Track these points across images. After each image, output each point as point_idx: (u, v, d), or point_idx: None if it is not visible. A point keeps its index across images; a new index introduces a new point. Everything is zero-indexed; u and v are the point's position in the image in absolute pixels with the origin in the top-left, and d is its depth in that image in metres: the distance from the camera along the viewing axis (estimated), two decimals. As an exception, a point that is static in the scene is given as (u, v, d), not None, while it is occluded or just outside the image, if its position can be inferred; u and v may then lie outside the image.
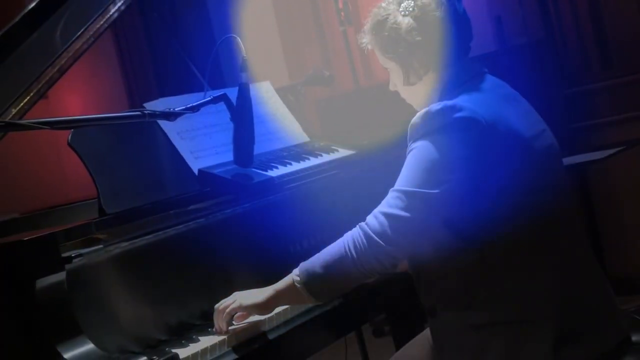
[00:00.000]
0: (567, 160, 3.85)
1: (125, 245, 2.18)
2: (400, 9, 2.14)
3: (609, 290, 2.17)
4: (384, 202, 2.05)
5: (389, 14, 2.16)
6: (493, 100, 2.08)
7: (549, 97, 4.53)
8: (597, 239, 4.42)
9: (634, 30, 4.58)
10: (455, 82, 2.14)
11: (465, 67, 2.18)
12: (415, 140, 2.05)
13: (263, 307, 2.19)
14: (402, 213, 2.00)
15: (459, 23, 2.17)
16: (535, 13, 4.79)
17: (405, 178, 2.03)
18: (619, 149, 4.01)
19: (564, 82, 4.71)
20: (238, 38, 2.43)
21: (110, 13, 2.66)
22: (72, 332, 1.94)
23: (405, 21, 2.13)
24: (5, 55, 2.55)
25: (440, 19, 2.12)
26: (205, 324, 2.25)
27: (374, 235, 2.01)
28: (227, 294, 2.23)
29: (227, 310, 2.17)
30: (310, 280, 2.10)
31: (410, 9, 2.13)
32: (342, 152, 2.95)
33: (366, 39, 2.24)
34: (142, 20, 5.95)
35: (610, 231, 4.63)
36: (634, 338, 2.19)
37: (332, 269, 2.07)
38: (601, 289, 2.15)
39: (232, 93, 2.46)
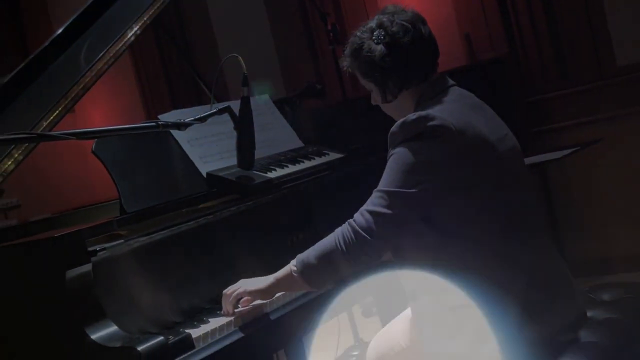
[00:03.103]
0: (529, 160, 3.86)
1: (143, 239, 2.17)
2: (373, 37, 2.14)
3: (567, 272, 2.17)
4: (368, 201, 2.05)
5: (364, 42, 2.15)
6: (461, 109, 2.08)
7: (512, 104, 4.54)
8: (556, 227, 4.43)
9: (587, 46, 4.59)
10: (427, 96, 2.14)
11: (435, 82, 2.17)
12: (394, 147, 2.05)
13: (265, 292, 2.19)
14: (385, 210, 2.00)
15: (426, 44, 2.16)
16: (500, 31, 4.80)
17: (387, 180, 2.03)
18: (573, 149, 4.01)
19: (525, 92, 4.72)
20: (240, 57, 2.43)
21: (128, 37, 2.65)
22: (97, 316, 1.94)
23: (378, 48, 2.12)
24: (37, 75, 2.55)
25: (408, 44, 2.12)
26: (214, 307, 2.25)
27: (360, 231, 2.01)
28: (233, 281, 2.23)
29: (234, 295, 2.18)
30: (306, 270, 2.10)
31: (382, 37, 2.13)
32: (333, 156, 2.95)
33: (346, 63, 2.24)
34: (156, 42, 5.94)
35: (567, 220, 4.64)
36: (589, 314, 2.20)
37: (324, 260, 2.07)
38: (560, 271, 2.15)
39: (235, 105, 2.46)
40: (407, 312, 2.36)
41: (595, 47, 4.58)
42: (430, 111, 2.03)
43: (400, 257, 2.19)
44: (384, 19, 2.14)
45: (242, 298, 2.20)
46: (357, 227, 2.02)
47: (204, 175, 2.58)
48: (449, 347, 2.07)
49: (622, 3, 4.50)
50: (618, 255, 4.56)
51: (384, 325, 2.70)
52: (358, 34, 2.19)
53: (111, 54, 2.58)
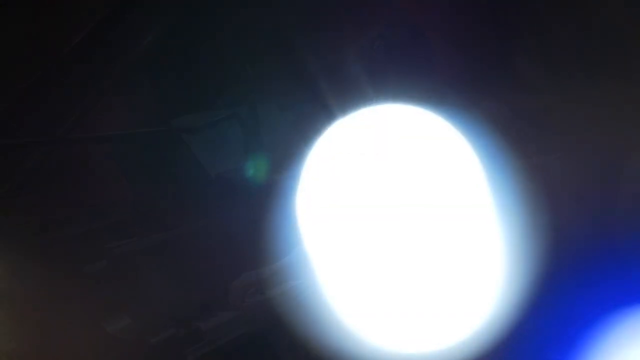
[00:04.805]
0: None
1: (156, 237, 2.18)
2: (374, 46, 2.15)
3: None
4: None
5: (365, 50, 2.16)
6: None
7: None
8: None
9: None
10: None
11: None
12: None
13: (267, 282, 2.19)
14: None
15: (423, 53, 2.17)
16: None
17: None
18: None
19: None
20: (248, 65, 2.42)
21: (143, 45, 2.65)
22: (113, 310, 1.95)
23: (378, 56, 2.13)
24: (57, 82, 2.55)
25: (407, 52, 2.13)
26: (223, 302, 2.26)
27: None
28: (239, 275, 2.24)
29: (240, 288, 2.18)
30: (305, 264, 2.10)
31: (382, 46, 2.13)
32: (335, 159, 2.95)
33: (348, 69, 2.24)
34: (168, 50, 5.92)
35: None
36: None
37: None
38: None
39: (243, 111, 2.46)
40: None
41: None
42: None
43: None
44: (385, 29, 2.15)
45: (249, 291, 2.20)
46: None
47: (213, 177, 2.58)
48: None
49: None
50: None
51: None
52: (360, 42, 2.19)
53: (127, 61, 2.58)
